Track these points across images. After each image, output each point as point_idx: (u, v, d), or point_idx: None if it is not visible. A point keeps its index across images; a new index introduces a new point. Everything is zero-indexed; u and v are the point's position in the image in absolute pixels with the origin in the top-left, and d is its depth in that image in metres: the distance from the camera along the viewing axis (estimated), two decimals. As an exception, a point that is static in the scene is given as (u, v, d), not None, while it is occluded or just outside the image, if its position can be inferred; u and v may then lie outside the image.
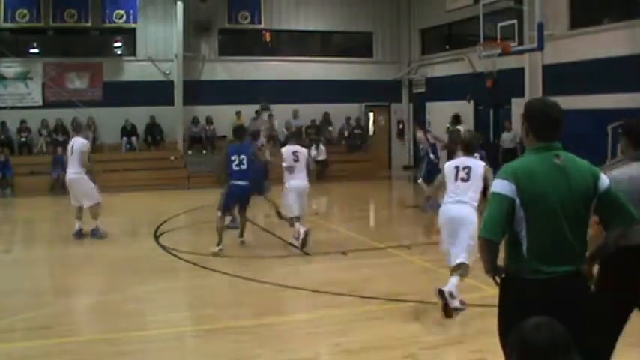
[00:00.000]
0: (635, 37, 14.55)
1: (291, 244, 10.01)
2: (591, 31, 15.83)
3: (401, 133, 24.54)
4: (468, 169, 6.62)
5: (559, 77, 16.31)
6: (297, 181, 9.80)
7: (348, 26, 23.66)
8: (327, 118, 23.15)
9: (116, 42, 22.03)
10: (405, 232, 12.31)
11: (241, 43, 23.41)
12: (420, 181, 14.15)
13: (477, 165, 6.70)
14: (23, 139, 20.07)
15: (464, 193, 6.53)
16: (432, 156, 13.96)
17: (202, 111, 21.65)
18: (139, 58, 21.41)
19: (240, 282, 8.09)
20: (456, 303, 6.29)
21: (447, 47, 22.59)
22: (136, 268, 8.95)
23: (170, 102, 21.00)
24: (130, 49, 21.70)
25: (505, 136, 18.29)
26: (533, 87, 17.41)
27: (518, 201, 3.17)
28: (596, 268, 3.93)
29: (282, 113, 21.78)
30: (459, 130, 14.14)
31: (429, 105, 22.88)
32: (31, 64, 20.57)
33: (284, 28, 23.19)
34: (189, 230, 12.71)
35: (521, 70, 17.77)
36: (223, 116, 21.41)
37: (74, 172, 10.80)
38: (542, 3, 15.91)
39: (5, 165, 18.62)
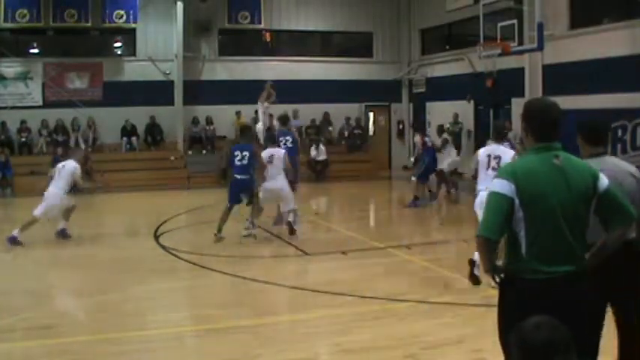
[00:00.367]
0: (635, 37, 14.54)
1: (290, 243, 10.14)
2: (591, 31, 15.82)
3: (401, 133, 24.56)
4: (498, 159, 7.25)
5: (559, 77, 16.30)
6: (270, 182, 10.40)
7: (348, 26, 23.68)
8: (327, 118, 23.16)
9: (116, 42, 22.03)
10: (405, 232, 12.35)
11: (241, 43, 23.41)
12: (413, 179, 14.77)
13: (507, 153, 7.36)
14: (23, 139, 20.07)
15: None
16: (427, 159, 14.44)
17: (202, 111, 21.67)
18: (139, 58, 21.42)
19: (240, 282, 8.08)
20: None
21: (447, 47, 22.59)
22: (136, 268, 8.96)
23: (170, 102, 21.02)
24: (130, 49, 21.71)
25: (505, 136, 18.30)
26: (533, 87, 17.40)
27: (517, 201, 3.16)
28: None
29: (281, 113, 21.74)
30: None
31: (429, 105, 22.90)
32: (31, 64, 20.57)
33: (284, 28, 23.21)
34: (190, 230, 12.70)
35: (521, 70, 17.76)
36: (223, 116, 21.46)
37: (57, 187, 10.92)
38: (542, 3, 15.90)
39: (5, 165, 18.59)
